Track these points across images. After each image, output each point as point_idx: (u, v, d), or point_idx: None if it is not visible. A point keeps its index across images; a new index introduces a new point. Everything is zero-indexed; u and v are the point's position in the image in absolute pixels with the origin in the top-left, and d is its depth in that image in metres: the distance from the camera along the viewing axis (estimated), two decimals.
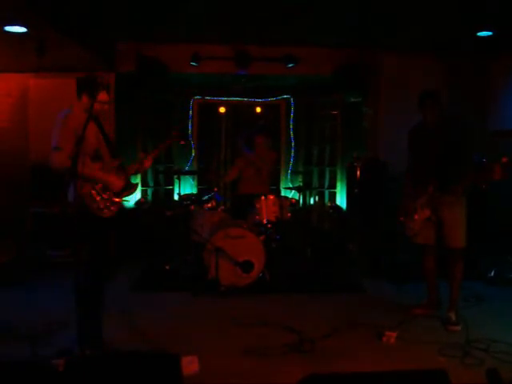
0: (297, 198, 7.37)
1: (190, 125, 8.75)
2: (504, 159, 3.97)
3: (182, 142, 5.16)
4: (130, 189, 4.34)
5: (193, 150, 8.78)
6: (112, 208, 4.12)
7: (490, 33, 6.43)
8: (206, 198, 6.78)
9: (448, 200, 4.63)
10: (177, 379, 2.91)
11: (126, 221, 4.53)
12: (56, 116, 4.13)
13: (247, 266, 5.80)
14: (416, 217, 4.80)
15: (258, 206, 6.42)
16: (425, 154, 4.83)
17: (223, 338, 4.41)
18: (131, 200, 8.21)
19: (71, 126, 3.99)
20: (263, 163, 7.02)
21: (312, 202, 8.77)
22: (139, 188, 8.44)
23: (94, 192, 4.01)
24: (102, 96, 4.18)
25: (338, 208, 8.44)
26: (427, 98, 4.79)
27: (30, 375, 2.96)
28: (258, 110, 8.81)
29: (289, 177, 8.85)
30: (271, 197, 6.47)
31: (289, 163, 8.92)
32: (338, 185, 8.77)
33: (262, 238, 6.08)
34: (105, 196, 4.06)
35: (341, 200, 8.63)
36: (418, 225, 4.81)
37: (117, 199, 4.17)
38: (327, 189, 8.93)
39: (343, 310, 5.23)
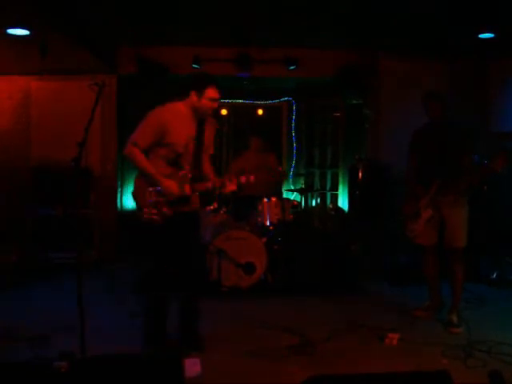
0: (299, 199, 7.38)
1: None
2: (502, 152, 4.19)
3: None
4: (186, 203, 4.05)
5: None
6: (153, 216, 4.00)
7: (491, 35, 6.43)
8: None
9: (451, 200, 4.64)
10: (179, 381, 2.91)
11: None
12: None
13: (249, 268, 5.80)
14: (419, 218, 4.80)
15: (259, 207, 6.42)
16: (428, 154, 4.84)
17: (225, 340, 4.40)
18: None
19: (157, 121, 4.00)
20: (260, 166, 7.07)
21: (314, 203, 8.77)
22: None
23: (150, 190, 3.93)
24: (211, 92, 4.04)
25: (340, 210, 8.44)
26: (432, 96, 4.83)
27: (33, 377, 2.97)
28: (260, 112, 8.82)
29: (291, 179, 8.85)
30: (273, 199, 6.47)
31: (290, 165, 8.92)
32: (340, 187, 8.78)
33: (263, 239, 6.08)
34: (157, 199, 3.95)
35: (343, 202, 8.64)
36: (421, 226, 4.80)
37: (165, 209, 3.98)
38: (329, 191, 8.94)
39: (345, 311, 5.22)
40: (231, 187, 4.15)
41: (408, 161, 5.08)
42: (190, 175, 4.03)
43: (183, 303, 4.27)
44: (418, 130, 5.04)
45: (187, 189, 4.00)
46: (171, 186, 3.93)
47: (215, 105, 4.10)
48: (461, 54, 7.31)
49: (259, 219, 6.40)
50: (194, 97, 4.03)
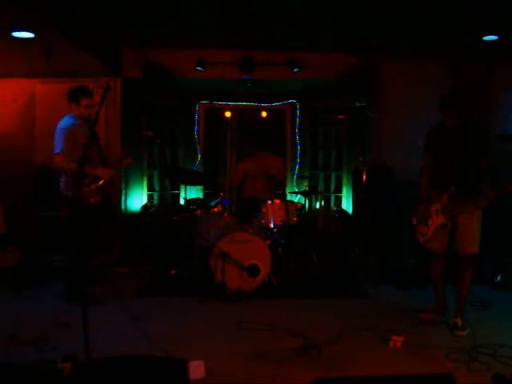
0: (303, 202, 7.37)
1: (195, 129, 8.77)
2: None
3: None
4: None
5: (198, 155, 8.80)
6: (97, 197, 5.19)
7: (495, 37, 6.43)
8: (213, 203, 6.77)
9: (464, 207, 4.58)
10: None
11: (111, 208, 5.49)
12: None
13: (253, 270, 5.81)
14: (430, 222, 4.77)
15: (263, 210, 6.42)
16: (444, 157, 4.77)
17: (229, 343, 4.41)
18: (138, 204, 8.26)
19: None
20: (265, 168, 7.12)
21: (318, 206, 8.77)
22: (145, 192, 8.48)
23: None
24: (84, 101, 5.23)
25: (344, 212, 8.43)
26: (446, 102, 4.74)
27: (37, 379, 2.98)
28: (264, 114, 8.83)
29: (294, 181, 8.85)
30: (277, 201, 6.47)
31: (294, 168, 8.92)
32: (344, 189, 8.77)
33: (267, 242, 6.08)
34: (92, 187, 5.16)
35: (346, 204, 8.63)
36: (432, 231, 4.77)
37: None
38: (333, 193, 8.93)
39: (349, 314, 5.22)
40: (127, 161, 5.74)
41: (422, 161, 5.03)
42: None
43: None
44: (432, 130, 4.97)
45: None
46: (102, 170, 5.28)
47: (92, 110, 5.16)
48: (466, 55, 7.29)
49: (263, 221, 6.41)
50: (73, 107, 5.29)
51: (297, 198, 8.16)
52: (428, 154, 4.98)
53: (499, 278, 6.22)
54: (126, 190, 8.00)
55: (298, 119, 8.88)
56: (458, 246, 4.72)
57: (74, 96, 5.27)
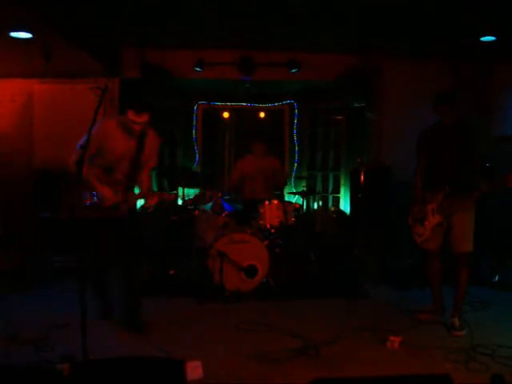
0: (300, 202, 7.38)
1: (194, 130, 8.77)
2: None
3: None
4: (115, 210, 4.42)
5: (197, 155, 8.80)
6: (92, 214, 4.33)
7: (493, 38, 6.43)
8: (210, 205, 6.75)
9: (459, 205, 4.61)
10: None
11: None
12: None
13: (251, 271, 5.80)
14: (426, 222, 4.77)
15: (261, 210, 6.43)
16: (442, 156, 4.77)
17: (227, 343, 4.40)
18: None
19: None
20: (263, 169, 7.12)
21: (316, 206, 8.77)
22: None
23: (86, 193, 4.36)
24: (130, 113, 4.35)
25: (342, 213, 8.44)
26: (442, 100, 4.74)
27: (36, 380, 2.97)
28: (262, 115, 8.83)
29: (292, 182, 8.85)
30: (275, 201, 6.48)
31: (292, 168, 8.92)
32: (342, 190, 8.78)
33: (265, 242, 6.08)
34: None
35: (344, 205, 8.64)
36: (429, 231, 4.78)
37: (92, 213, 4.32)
38: (331, 193, 8.94)
39: (347, 314, 5.20)
40: (150, 201, 4.54)
41: (416, 162, 5.04)
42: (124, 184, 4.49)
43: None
44: (427, 130, 4.98)
45: (120, 197, 4.43)
46: (108, 193, 4.37)
47: (136, 127, 4.41)
48: (465, 55, 7.29)
49: (261, 222, 6.41)
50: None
51: (295, 199, 8.17)
52: (420, 154, 4.99)
53: (497, 278, 6.23)
54: None
55: (296, 119, 8.89)
56: (452, 246, 4.73)
57: (126, 103, 4.56)
